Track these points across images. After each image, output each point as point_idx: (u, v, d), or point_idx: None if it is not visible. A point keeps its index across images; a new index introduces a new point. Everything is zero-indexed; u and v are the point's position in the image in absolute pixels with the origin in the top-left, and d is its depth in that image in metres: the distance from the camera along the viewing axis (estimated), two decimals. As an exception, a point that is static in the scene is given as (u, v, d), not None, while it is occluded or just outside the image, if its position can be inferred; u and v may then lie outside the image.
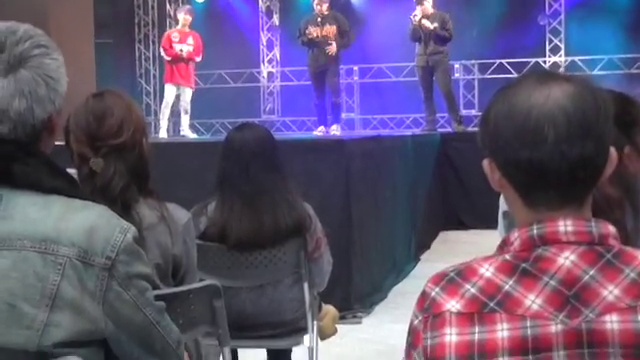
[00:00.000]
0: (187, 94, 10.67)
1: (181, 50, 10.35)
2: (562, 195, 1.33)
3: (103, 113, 2.35)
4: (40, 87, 1.58)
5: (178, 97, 10.75)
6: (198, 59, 10.65)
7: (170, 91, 10.63)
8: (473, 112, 12.80)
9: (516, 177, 1.35)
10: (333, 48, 10.01)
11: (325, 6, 10.15)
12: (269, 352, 3.71)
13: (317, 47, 10.15)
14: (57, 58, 1.63)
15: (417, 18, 10.43)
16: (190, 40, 10.48)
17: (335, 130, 10.28)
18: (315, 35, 10.08)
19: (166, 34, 10.87)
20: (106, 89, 2.46)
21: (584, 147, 1.29)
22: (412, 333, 1.40)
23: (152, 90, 14.56)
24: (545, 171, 1.31)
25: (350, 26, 10.34)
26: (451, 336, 1.31)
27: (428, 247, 8.64)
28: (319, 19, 10.11)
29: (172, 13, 14.52)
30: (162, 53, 10.67)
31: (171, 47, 10.43)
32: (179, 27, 10.74)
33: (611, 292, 1.28)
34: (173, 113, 11.70)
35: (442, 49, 10.46)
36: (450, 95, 10.81)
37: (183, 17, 10.71)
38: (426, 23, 10.32)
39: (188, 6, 11.59)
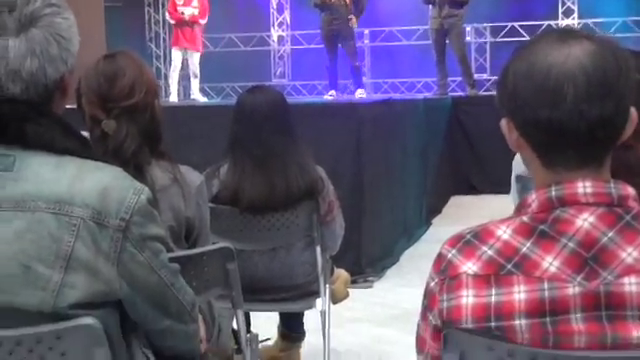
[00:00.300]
0: (195, 58, 10.64)
1: (183, 13, 10.29)
2: (581, 155, 1.32)
3: (114, 74, 2.33)
4: (52, 46, 1.56)
5: (187, 61, 10.70)
6: (203, 21, 10.57)
7: (177, 55, 10.61)
8: (485, 76, 12.73)
9: (534, 137, 1.34)
10: (354, 21, 9.84)
11: None
12: (281, 315, 3.73)
13: (330, 10, 10.01)
14: (68, 17, 1.61)
15: None
16: (195, 2, 10.41)
17: (361, 94, 10.13)
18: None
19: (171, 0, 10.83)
20: (118, 50, 2.44)
21: (604, 107, 1.28)
22: (428, 295, 1.39)
23: (162, 54, 14.50)
24: (564, 130, 1.29)
25: None
26: (468, 298, 1.31)
27: (439, 211, 8.64)
28: None
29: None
30: (167, 17, 10.62)
31: (175, 10, 10.39)
32: None
33: (630, 254, 1.27)
34: (183, 77, 11.67)
35: (457, 12, 10.20)
36: (464, 59, 10.63)
37: None
38: None
39: None
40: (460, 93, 11.48)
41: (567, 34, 1.34)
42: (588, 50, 1.30)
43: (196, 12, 10.36)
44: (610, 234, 1.28)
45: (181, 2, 10.39)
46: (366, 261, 5.87)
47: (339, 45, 10.15)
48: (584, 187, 1.31)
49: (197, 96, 10.85)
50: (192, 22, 10.40)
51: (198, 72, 10.87)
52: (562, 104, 1.28)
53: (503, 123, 1.39)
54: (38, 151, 1.55)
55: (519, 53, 1.36)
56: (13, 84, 1.54)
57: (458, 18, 10.29)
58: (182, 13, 10.28)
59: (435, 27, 10.34)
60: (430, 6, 10.45)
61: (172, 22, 10.55)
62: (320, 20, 10.23)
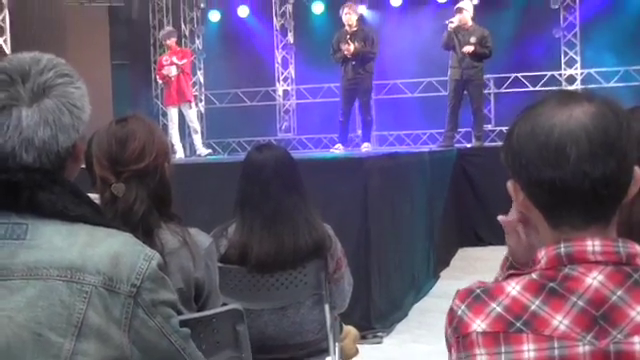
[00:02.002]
0: (191, 113, 10.86)
1: (168, 75, 10.55)
2: (586, 215, 1.33)
3: (126, 138, 2.36)
4: (64, 115, 1.59)
5: (183, 117, 10.90)
6: (180, 62, 10.68)
7: (173, 112, 10.82)
8: (490, 127, 12.77)
9: (540, 197, 1.35)
10: (350, 48, 9.88)
11: (354, 20, 10.05)
12: (291, 374, 3.69)
13: (350, 63, 10.06)
14: (80, 87, 1.64)
15: (453, 25, 10.09)
16: (176, 59, 10.63)
17: (367, 147, 10.18)
18: (346, 53, 9.97)
19: (159, 59, 11.05)
20: (129, 114, 2.47)
21: (607, 166, 1.29)
22: (449, 349, 1.41)
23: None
24: (568, 190, 1.31)
25: (374, 38, 10.16)
26: (481, 356, 1.32)
27: (447, 264, 8.61)
28: (348, 36, 10.03)
29: (187, 33, 14.64)
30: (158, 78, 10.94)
31: (161, 69, 10.69)
32: (167, 50, 10.99)
33: (639, 313, 1.27)
34: (188, 134, 11.79)
35: (477, 64, 10.21)
36: (480, 111, 10.57)
37: (166, 43, 10.99)
38: (467, 48, 10.00)
39: (168, 29, 11.70)
40: (465, 144, 11.51)
41: (569, 96, 1.36)
42: (589, 111, 1.32)
43: (176, 67, 10.54)
44: (619, 292, 1.29)
45: (167, 62, 10.64)
46: (375, 316, 5.84)
47: (356, 99, 10.21)
48: (593, 245, 1.32)
49: (201, 151, 10.99)
50: (180, 73, 10.60)
51: (198, 127, 11.05)
52: (565, 164, 1.30)
53: (509, 184, 1.41)
54: (51, 219, 1.57)
55: (523, 115, 1.39)
56: (26, 153, 1.57)
57: (478, 69, 10.28)
58: (167, 75, 10.53)
59: (455, 78, 10.29)
60: (450, 55, 10.37)
61: (159, 82, 10.78)
62: (341, 72, 10.25)
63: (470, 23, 10.30)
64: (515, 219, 1.57)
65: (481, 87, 10.63)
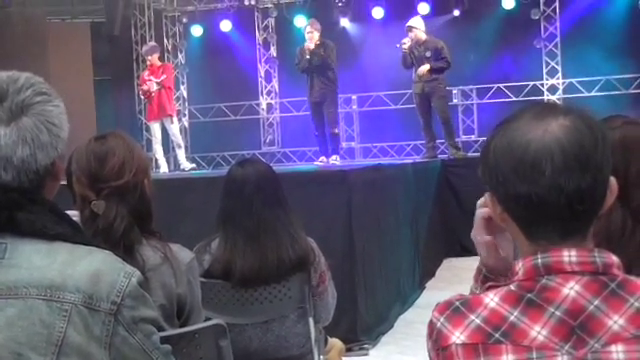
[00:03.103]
0: (174, 128, 10.84)
1: (148, 90, 10.56)
2: (562, 230, 1.34)
3: (105, 155, 2.36)
4: (42, 134, 1.59)
5: (166, 132, 10.89)
6: (158, 80, 10.65)
7: (155, 128, 10.80)
8: (473, 137, 12.83)
9: (516, 211, 1.37)
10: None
11: (316, 37, 10.18)
12: (277, 388, 3.69)
13: (314, 74, 10.18)
14: (58, 105, 1.64)
15: (405, 46, 10.32)
16: (153, 78, 10.63)
17: (335, 160, 10.29)
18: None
19: (141, 75, 11.06)
20: (108, 132, 2.48)
21: (582, 180, 1.31)
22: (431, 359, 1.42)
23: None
24: (544, 206, 1.32)
25: (332, 52, 10.29)
26: None
27: (433, 275, 8.62)
28: (307, 52, 10.15)
29: (170, 48, 14.64)
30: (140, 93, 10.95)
31: (144, 84, 10.69)
32: (148, 66, 10.99)
33: (616, 322, 1.28)
34: (172, 148, 11.78)
35: (437, 76, 10.35)
36: (448, 122, 10.68)
37: (147, 59, 10.98)
38: (424, 70, 10.19)
39: (150, 45, 11.70)
40: (449, 155, 11.55)
41: (545, 110, 1.37)
42: (564, 125, 1.33)
43: (159, 81, 10.54)
44: (596, 302, 1.30)
45: (148, 78, 10.64)
46: (361, 328, 5.84)
47: (322, 112, 10.32)
48: (569, 256, 1.33)
49: (185, 165, 10.99)
50: (162, 88, 10.59)
51: (181, 142, 11.04)
52: (541, 179, 1.31)
53: (488, 198, 1.42)
54: (30, 238, 1.57)
55: (499, 129, 1.39)
56: (4, 172, 1.57)
57: (439, 81, 10.40)
58: (148, 90, 10.55)
59: (417, 92, 10.48)
60: (413, 70, 10.56)
61: (142, 97, 10.78)
62: (307, 88, 10.39)
63: (424, 37, 10.46)
64: (486, 240, 1.57)
65: (445, 98, 10.74)
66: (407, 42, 10.34)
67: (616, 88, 12.43)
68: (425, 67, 10.19)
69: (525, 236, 1.38)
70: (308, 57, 10.09)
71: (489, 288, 1.39)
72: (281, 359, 3.40)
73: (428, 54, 10.26)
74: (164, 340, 1.71)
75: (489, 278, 1.60)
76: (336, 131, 10.52)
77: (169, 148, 12.12)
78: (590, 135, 1.33)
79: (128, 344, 1.58)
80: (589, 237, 1.37)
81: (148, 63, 10.95)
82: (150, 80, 10.53)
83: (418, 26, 10.49)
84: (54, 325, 1.51)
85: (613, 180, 1.36)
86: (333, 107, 10.44)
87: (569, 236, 1.34)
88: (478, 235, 1.58)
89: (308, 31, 10.23)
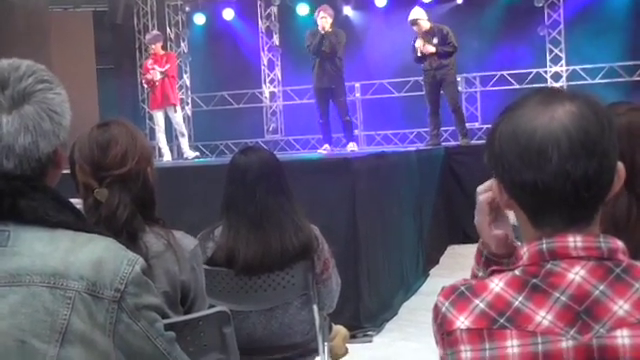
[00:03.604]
0: (177, 116, 10.82)
1: (152, 79, 10.52)
2: (569, 216, 1.34)
3: (107, 143, 2.36)
4: (44, 121, 1.59)
5: (169, 120, 10.86)
6: (162, 69, 10.65)
7: (159, 116, 10.78)
8: (477, 125, 12.82)
9: (522, 199, 1.36)
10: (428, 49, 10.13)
11: (329, 23, 10.15)
12: (281, 375, 3.69)
13: (323, 61, 10.15)
14: (60, 92, 1.64)
15: (419, 46, 10.28)
16: (157, 67, 10.61)
17: (352, 147, 10.28)
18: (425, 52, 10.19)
19: (144, 64, 11.02)
20: (111, 119, 2.47)
21: (588, 166, 1.30)
22: (438, 345, 1.42)
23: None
24: (550, 193, 1.31)
25: (342, 41, 10.26)
26: (466, 352, 1.33)
27: (437, 262, 8.63)
28: (323, 37, 10.09)
29: (172, 36, 14.63)
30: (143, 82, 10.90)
31: (148, 72, 10.66)
32: (152, 53, 10.94)
33: (621, 307, 1.28)
34: (175, 136, 11.78)
35: (447, 62, 10.32)
36: (458, 109, 10.70)
37: (151, 47, 10.94)
38: (428, 48, 10.20)
39: (154, 33, 11.66)
40: (452, 142, 11.54)
41: (550, 96, 1.36)
42: (570, 112, 1.32)
43: (163, 70, 10.52)
44: (601, 287, 1.30)
45: (152, 66, 10.60)
46: (365, 315, 5.84)
47: (330, 100, 10.29)
48: (575, 241, 1.33)
49: (188, 153, 10.98)
50: (165, 77, 10.58)
51: (184, 130, 11.02)
52: (547, 166, 1.30)
53: (494, 184, 1.42)
54: (32, 225, 1.57)
55: (504, 116, 1.39)
56: (7, 160, 1.57)
57: (450, 67, 10.38)
58: (151, 79, 10.51)
59: (428, 80, 10.46)
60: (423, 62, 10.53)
61: (145, 86, 10.74)
62: (312, 76, 10.35)
63: (428, 26, 10.45)
64: (496, 234, 1.57)
65: (455, 84, 10.74)
66: (420, 42, 10.29)
67: (620, 75, 12.39)
68: (431, 48, 10.19)
69: (531, 222, 1.37)
70: (320, 40, 10.02)
71: (493, 273, 1.39)
72: (285, 346, 3.41)
73: (435, 41, 10.26)
74: (168, 327, 1.72)
75: (491, 260, 1.61)
76: (348, 118, 10.51)
77: (172, 137, 12.13)
78: (596, 121, 1.32)
79: (132, 331, 1.58)
80: (595, 223, 1.37)
81: (151, 52, 10.93)
82: (154, 69, 10.51)
83: (421, 17, 10.49)
84: (58, 312, 1.51)
85: (621, 165, 1.36)
86: (343, 95, 10.41)
87: (575, 223, 1.34)
88: (483, 222, 1.58)
89: (322, 16, 10.10)
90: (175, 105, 10.73)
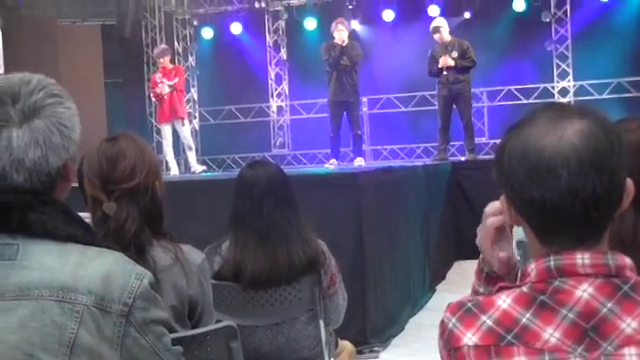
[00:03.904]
0: (185, 130, 10.81)
1: (161, 92, 10.50)
2: (577, 235, 1.33)
3: (116, 157, 2.37)
4: (54, 136, 1.60)
5: (177, 134, 10.86)
6: (171, 82, 10.63)
7: (167, 130, 10.76)
8: (483, 140, 12.80)
9: (530, 217, 1.36)
10: (447, 61, 10.10)
11: (345, 36, 10.13)
12: (287, 390, 3.69)
13: (337, 77, 10.16)
14: (70, 107, 1.65)
15: (451, 63, 10.17)
16: (166, 80, 10.61)
17: (360, 162, 10.28)
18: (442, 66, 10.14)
19: (152, 77, 11.02)
20: (119, 133, 2.48)
21: (597, 185, 1.29)
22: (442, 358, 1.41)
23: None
24: (558, 212, 1.31)
25: (359, 54, 10.27)
26: None
27: (443, 277, 8.60)
28: (341, 49, 10.10)
29: (180, 50, 14.68)
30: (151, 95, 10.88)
31: (156, 86, 10.65)
32: (160, 67, 10.92)
33: (629, 325, 1.28)
34: (182, 150, 11.78)
35: (464, 77, 10.29)
36: (470, 124, 10.61)
37: (159, 61, 10.93)
38: (447, 61, 10.13)
39: (162, 47, 11.68)
40: (459, 157, 11.53)
41: (560, 113, 1.36)
42: (580, 130, 1.32)
43: (172, 83, 10.53)
44: (609, 305, 1.29)
45: (160, 80, 10.60)
46: (371, 331, 5.83)
47: (344, 114, 10.28)
48: (582, 258, 1.33)
49: (196, 167, 10.97)
50: (175, 90, 10.58)
51: (192, 144, 11.01)
52: (556, 186, 1.30)
53: (502, 200, 1.42)
54: (41, 239, 1.57)
55: (514, 132, 1.38)
56: (17, 173, 1.57)
57: (466, 83, 10.35)
58: (160, 93, 10.51)
59: (443, 94, 10.39)
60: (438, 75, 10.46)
61: (153, 99, 10.74)
62: (329, 88, 10.33)
63: (449, 38, 10.40)
64: (501, 257, 1.57)
65: (469, 100, 10.68)
66: (443, 60, 10.21)
67: (627, 91, 12.38)
68: (450, 62, 10.13)
69: (539, 240, 1.37)
70: (339, 54, 10.02)
71: (501, 289, 1.38)
72: (292, 361, 3.40)
73: (454, 54, 10.20)
74: (175, 341, 1.71)
75: (492, 276, 1.60)
76: (359, 132, 10.51)
77: (179, 150, 12.14)
78: (606, 139, 1.32)
79: (139, 345, 1.58)
80: (604, 241, 1.36)
81: (160, 65, 10.94)
82: (162, 82, 10.54)
83: (444, 25, 10.44)
84: (66, 326, 1.51)
85: (630, 182, 1.35)
86: (357, 109, 10.44)
87: (583, 241, 1.34)
88: (486, 242, 1.58)
89: (340, 29, 10.10)
90: (183, 119, 10.75)
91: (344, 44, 10.01)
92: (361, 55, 10.19)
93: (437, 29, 10.37)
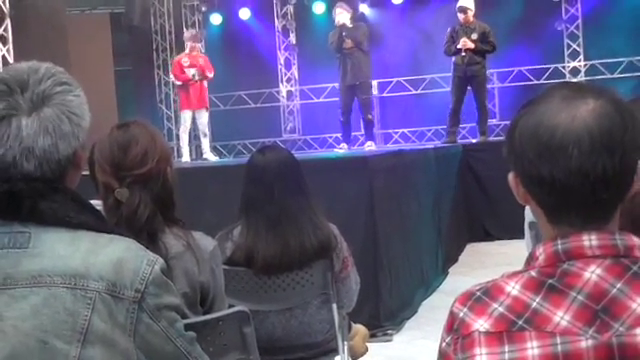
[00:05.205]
0: (203, 117, 10.72)
1: (193, 75, 10.40)
2: (586, 215, 1.33)
3: (128, 143, 2.37)
4: (64, 123, 1.60)
5: (195, 121, 10.80)
6: (211, 75, 10.65)
7: (187, 117, 10.66)
8: (494, 121, 12.76)
9: (539, 196, 1.35)
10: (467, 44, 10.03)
11: (346, 18, 10.10)
12: (301, 374, 3.70)
13: (347, 61, 10.13)
14: (79, 94, 1.65)
15: (468, 45, 10.11)
16: (200, 60, 10.55)
17: (370, 146, 10.26)
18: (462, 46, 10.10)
19: (175, 60, 10.92)
20: (130, 120, 2.49)
21: (607, 166, 1.28)
22: (442, 356, 1.40)
23: (173, 115, 14.66)
24: (568, 192, 1.30)
25: (365, 34, 10.23)
26: (481, 356, 1.31)
27: (456, 260, 8.59)
28: (344, 33, 10.08)
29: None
30: (173, 79, 10.70)
31: (182, 72, 10.49)
32: (187, 52, 10.77)
33: (640, 304, 1.27)
34: (194, 137, 11.76)
35: (480, 60, 10.24)
36: (484, 107, 10.58)
37: (189, 45, 10.76)
38: (467, 43, 10.06)
39: (193, 31, 11.61)
40: (470, 140, 11.50)
41: (574, 92, 1.34)
42: (594, 110, 1.30)
43: (200, 71, 10.47)
44: (619, 285, 1.29)
45: (187, 64, 10.49)
46: (384, 314, 5.84)
47: (354, 98, 10.24)
48: (590, 240, 1.32)
49: (209, 155, 10.90)
50: (203, 79, 10.52)
51: (207, 131, 10.94)
52: (566, 165, 1.29)
53: (510, 177, 1.41)
54: (53, 227, 1.58)
55: (527, 110, 1.36)
56: (27, 162, 1.58)
57: (481, 66, 10.30)
58: (193, 76, 10.38)
59: (459, 74, 10.34)
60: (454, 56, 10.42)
61: (178, 83, 10.62)
62: (339, 72, 10.29)
63: (472, 20, 10.31)
64: None
65: (484, 83, 10.62)
66: (463, 41, 10.13)
67: (639, 69, 12.30)
68: (470, 44, 10.07)
69: (548, 219, 1.37)
70: (339, 36, 9.99)
71: (509, 276, 1.38)
72: (305, 345, 3.41)
73: (474, 36, 10.14)
74: (188, 327, 1.72)
75: None
76: (370, 117, 10.46)
77: (191, 137, 12.13)
78: (620, 121, 1.30)
79: (152, 331, 1.59)
80: (613, 222, 1.35)
81: (188, 49, 10.72)
82: (192, 67, 10.42)
83: (471, 7, 10.35)
84: (78, 313, 1.52)
85: None
86: (367, 93, 10.38)
87: (592, 222, 1.33)
88: None
89: (338, 12, 10.11)
90: (207, 108, 10.71)
91: (339, 25, 9.97)
92: (366, 34, 10.13)
93: (464, 9, 10.28)
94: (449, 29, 10.40)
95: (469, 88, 10.38)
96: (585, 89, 1.35)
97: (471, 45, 10.08)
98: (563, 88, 1.37)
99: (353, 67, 10.09)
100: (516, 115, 1.39)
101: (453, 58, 10.39)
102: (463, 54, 10.15)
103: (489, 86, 13.06)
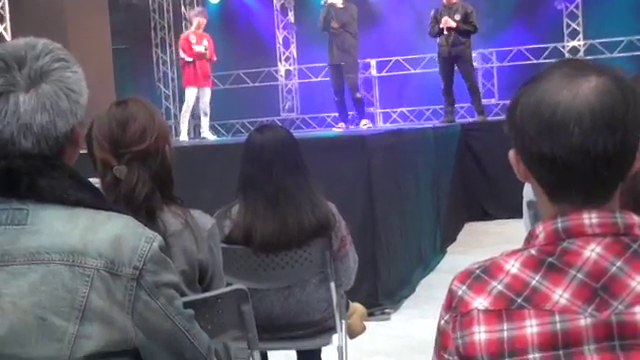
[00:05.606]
0: (207, 95, 10.67)
1: (205, 49, 10.36)
2: (586, 193, 1.32)
3: (126, 120, 2.36)
4: (62, 100, 1.59)
5: (197, 99, 10.76)
6: (215, 59, 10.67)
7: (192, 94, 10.57)
8: (493, 101, 12.76)
9: (540, 173, 1.35)
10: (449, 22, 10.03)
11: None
12: (299, 353, 3.71)
13: (334, 41, 10.10)
14: (77, 71, 1.64)
15: (444, 19, 10.14)
16: (205, 42, 10.51)
17: (366, 124, 10.26)
18: (443, 26, 10.10)
19: (183, 36, 10.84)
20: (129, 97, 2.47)
21: (609, 144, 1.27)
22: (441, 334, 1.40)
23: (171, 93, 14.63)
24: (568, 169, 1.30)
25: (355, 17, 10.22)
26: (480, 334, 1.31)
27: (454, 239, 8.62)
28: (333, 12, 10.06)
29: (187, 16, 14.59)
30: (182, 55, 10.60)
31: (191, 48, 10.43)
32: (193, 29, 10.71)
33: (639, 283, 1.27)
34: (193, 116, 11.73)
35: (464, 40, 10.26)
36: (475, 86, 10.64)
37: (198, 20, 10.67)
38: (449, 22, 10.09)
39: (200, 8, 11.56)
40: (469, 119, 11.49)
41: (576, 70, 1.33)
42: (596, 88, 1.29)
43: (206, 51, 10.45)
44: (618, 263, 1.28)
45: (194, 41, 10.45)
46: (382, 293, 5.86)
47: (345, 77, 10.25)
48: (590, 218, 1.31)
49: (207, 134, 10.88)
50: (210, 59, 10.51)
51: (208, 110, 10.91)
52: (567, 142, 1.28)
53: (511, 154, 1.40)
54: (51, 204, 1.57)
55: (528, 87, 1.36)
56: (25, 139, 1.57)
57: (466, 46, 10.32)
58: (204, 49, 10.36)
59: (443, 55, 10.38)
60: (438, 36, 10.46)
61: (189, 60, 10.50)
62: (328, 52, 10.31)
63: (455, 1, 10.33)
64: None
65: (470, 62, 10.65)
66: (445, 20, 10.15)
67: (639, 48, 12.27)
68: (451, 23, 10.08)
69: (548, 197, 1.36)
70: (326, 15, 9.97)
71: (509, 254, 1.37)
72: (303, 324, 3.42)
73: (457, 17, 10.15)
74: (186, 305, 1.72)
75: None
76: (358, 95, 10.46)
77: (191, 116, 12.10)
78: (622, 99, 1.29)
79: (150, 309, 1.59)
80: (614, 200, 1.35)
81: (194, 27, 10.65)
82: (197, 43, 10.37)
83: None
84: (77, 290, 1.52)
85: None
86: (353, 72, 10.37)
87: (592, 200, 1.32)
88: None
89: None
90: (211, 87, 10.67)
91: (327, 4, 9.96)
92: (354, 16, 10.12)
93: None
94: (432, 11, 10.46)
95: (456, 68, 10.39)
96: (587, 66, 1.34)
97: (452, 24, 10.11)
98: (565, 65, 1.36)
99: (339, 48, 10.12)
100: (517, 92, 1.38)
101: (437, 39, 10.43)
102: (446, 33, 10.17)
103: (488, 65, 13.06)
